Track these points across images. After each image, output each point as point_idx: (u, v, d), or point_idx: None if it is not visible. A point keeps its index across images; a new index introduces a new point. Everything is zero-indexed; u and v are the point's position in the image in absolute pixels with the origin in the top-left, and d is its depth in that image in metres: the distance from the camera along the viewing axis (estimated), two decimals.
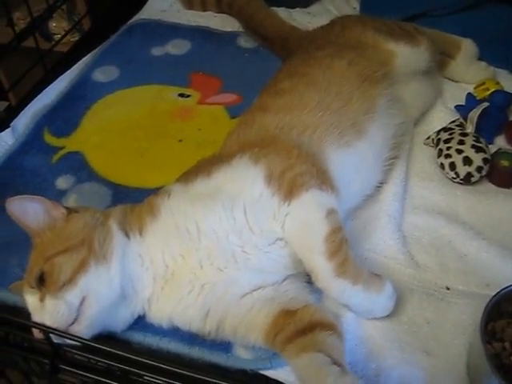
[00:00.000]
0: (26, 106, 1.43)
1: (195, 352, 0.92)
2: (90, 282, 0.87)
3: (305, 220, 0.93)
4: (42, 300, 0.86)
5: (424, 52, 1.30)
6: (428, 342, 0.94)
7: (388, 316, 0.96)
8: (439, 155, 1.21)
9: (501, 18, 1.53)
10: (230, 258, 0.92)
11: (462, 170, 1.17)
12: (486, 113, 1.25)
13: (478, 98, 1.34)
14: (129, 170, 1.27)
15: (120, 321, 0.93)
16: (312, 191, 0.94)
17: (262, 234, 0.93)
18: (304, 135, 1.04)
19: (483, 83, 1.40)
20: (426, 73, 1.33)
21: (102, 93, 1.49)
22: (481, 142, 1.20)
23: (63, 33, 2.10)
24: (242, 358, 0.92)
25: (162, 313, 0.94)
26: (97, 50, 1.64)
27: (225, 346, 0.93)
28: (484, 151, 1.18)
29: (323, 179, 0.98)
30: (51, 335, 0.84)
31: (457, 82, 1.46)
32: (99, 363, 0.85)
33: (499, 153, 1.21)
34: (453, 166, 1.18)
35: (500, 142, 1.30)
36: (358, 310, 0.95)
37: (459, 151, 1.18)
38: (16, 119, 1.39)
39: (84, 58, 1.61)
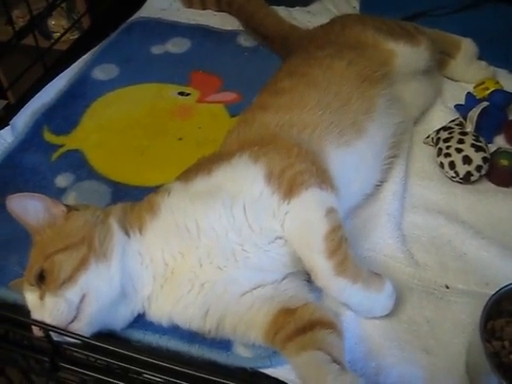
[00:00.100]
0: (25, 104, 1.43)
1: (195, 350, 0.92)
2: (90, 279, 0.87)
3: (304, 218, 0.93)
4: (41, 298, 0.86)
5: (424, 51, 1.30)
6: (427, 341, 0.94)
7: (387, 315, 0.96)
8: (439, 154, 1.21)
9: (500, 17, 1.54)
10: (230, 257, 0.92)
11: (462, 169, 1.17)
12: (485, 112, 1.25)
13: (477, 98, 1.34)
14: (128, 169, 1.28)
15: (120, 319, 0.93)
16: (312, 190, 0.94)
17: (262, 232, 0.93)
18: (304, 134, 1.04)
19: (483, 82, 1.40)
20: (425, 72, 1.33)
21: (102, 91, 1.49)
22: (480, 141, 1.20)
23: (62, 31, 2.09)
24: (241, 356, 0.92)
25: (161, 311, 0.94)
26: (96, 48, 1.64)
27: (225, 344, 0.93)
28: (484, 150, 1.18)
29: (323, 178, 0.98)
30: (51, 333, 0.83)
31: (456, 81, 1.46)
32: (98, 361, 0.85)
33: (499, 152, 1.21)
34: (452, 164, 1.18)
35: (499, 141, 1.30)
36: (358, 309, 0.95)
37: (459, 150, 1.18)
38: (15, 117, 1.39)
39: (84, 57, 1.61)
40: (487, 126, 1.26)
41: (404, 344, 0.94)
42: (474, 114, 1.24)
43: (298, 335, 0.86)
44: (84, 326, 0.86)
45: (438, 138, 1.24)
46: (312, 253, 0.92)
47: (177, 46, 1.65)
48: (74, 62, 1.59)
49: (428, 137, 1.29)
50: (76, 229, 0.92)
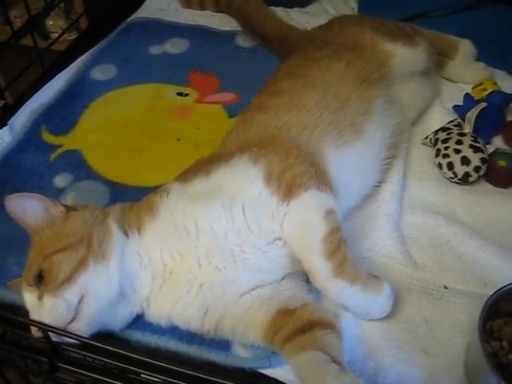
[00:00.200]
0: (23, 104, 1.43)
1: (194, 350, 0.93)
2: (89, 280, 0.87)
3: (303, 220, 0.93)
4: (40, 298, 0.86)
5: (422, 53, 1.31)
6: (426, 341, 0.94)
7: (386, 316, 0.96)
8: (437, 155, 1.22)
9: (499, 18, 1.54)
10: (229, 258, 0.92)
11: (460, 169, 1.17)
12: (483, 113, 1.25)
13: (475, 99, 1.34)
14: (127, 169, 1.27)
15: (119, 319, 0.93)
16: (311, 191, 0.94)
17: (261, 233, 0.93)
18: (303, 135, 1.04)
19: (481, 83, 1.41)
20: (424, 73, 1.33)
21: (100, 91, 1.49)
22: (479, 142, 1.20)
23: (60, 31, 2.09)
24: (240, 356, 0.92)
25: (160, 312, 0.94)
26: (95, 48, 1.64)
27: (223, 345, 0.93)
28: (482, 151, 1.18)
29: (322, 179, 0.98)
30: (50, 333, 0.83)
31: (455, 82, 1.46)
32: (96, 361, 0.85)
33: (497, 153, 1.22)
34: (451, 165, 1.18)
35: (497, 142, 1.30)
36: (356, 310, 0.95)
37: (457, 151, 1.18)
38: (14, 117, 1.39)
39: (82, 57, 1.61)
40: (485, 127, 1.27)
41: (403, 344, 0.94)
42: (473, 114, 1.24)
43: (297, 335, 0.87)
44: (83, 327, 0.86)
45: (437, 139, 1.24)
46: (311, 254, 0.92)
47: (175, 46, 1.65)
48: (72, 62, 1.59)
49: (426, 137, 1.29)
50: (75, 229, 0.92)
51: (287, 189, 0.93)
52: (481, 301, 0.89)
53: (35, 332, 0.85)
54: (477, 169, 1.17)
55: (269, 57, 1.56)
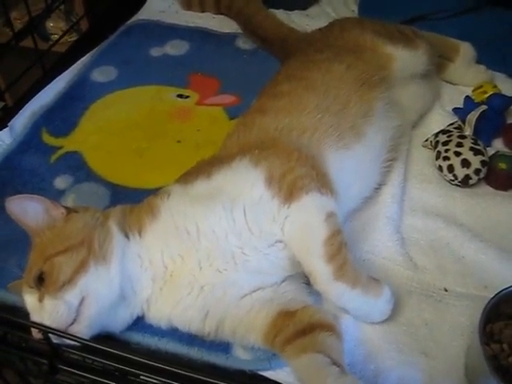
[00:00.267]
0: (23, 105, 1.43)
1: (194, 352, 0.93)
2: (90, 282, 0.87)
3: (304, 223, 0.93)
4: (41, 300, 0.86)
5: (422, 56, 1.31)
6: (426, 344, 0.94)
7: (386, 318, 0.96)
8: (437, 157, 1.22)
9: (499, 21, 1.54)
10: (230, 260, 0.92)
11: (460, 172, 1.18)
12: (484, 116, 1.25)
13: (475, 101, 1.35)
14: (127, 171, 1.27)
15: (119, 321, 0.93)
16: (312, 194, 0.94)
17: (262, 235, 0.93)
18: (303, 137, 1.05)
19: (481, 86, 1.41)
20: (424, 76, 1.34)
21: (101, 93, 1.49)
22: (479, 145, 1.20)
23: (60, 33, 2.09)
24: (241, 358, 0.92)
25: (160, 314, 0.94)
26: (95, 50, 1.64)
27: (224, 347, 0.93)
28: (482, 154, 1.19)
29: (323, 182, 0.98)
30: (50, 335, 0.83)
31: (455, 84, 1.47)
32: (96, 363, 0.85)
33: (497, 155, 1.22)
34: (451, 168, 1.18)
35: (498, 144, 1.30)
36: (356, 313, 0.95)
37: (457, 153, 1.18)
38: (14, 119, 1.39)
39: (82, 59, 1.61)
40: (485, 130, 1.27)
41: (403, 347, 0.94)
42: (473, 117, 1.24)
43: (298, 338, 0.87)
44: (83, 329, 0.86)
45: (437, 142, 1.24)
46: (311, 257, 0.92)
47: (175, 48, 1.65)
48: (72, 64, 1.59)
49: (427, 140, 1.29)
50: (75, 231, 0.92)
51: (288, 191, 0.93)
52: (481, 303, 0.89)
53: (36, 334, 0.84)
54: (477, 171, 1.17)
55: (269, 59, 1.56)
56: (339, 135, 1.07)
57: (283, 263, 0.95)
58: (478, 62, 1.46)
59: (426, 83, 1.35)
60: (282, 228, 0.93)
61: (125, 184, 1.24)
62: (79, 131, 1.38)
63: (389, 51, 1.27)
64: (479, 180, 1.19)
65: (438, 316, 0.98)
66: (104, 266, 0.89)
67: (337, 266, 0.90)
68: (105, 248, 0.90)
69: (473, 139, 1.21)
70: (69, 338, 0.83)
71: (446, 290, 1.03)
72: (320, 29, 1.43)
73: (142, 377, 0.82)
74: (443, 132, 1.26)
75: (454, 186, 1.20)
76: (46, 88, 1.49)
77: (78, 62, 1.59)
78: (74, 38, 2.08)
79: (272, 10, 1.72)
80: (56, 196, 1.19)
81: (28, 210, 0.93)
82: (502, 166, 1.19)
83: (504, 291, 0.89)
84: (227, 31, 1.71)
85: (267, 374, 0.90)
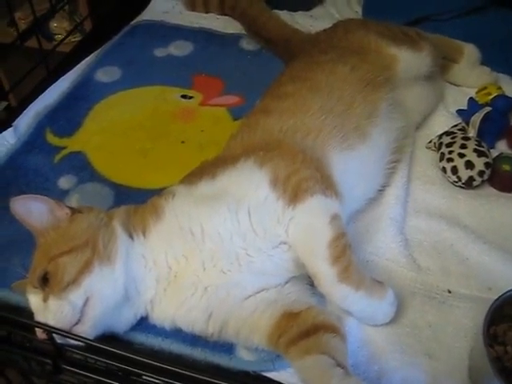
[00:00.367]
0: (27, 105, 1.43)
1: (197, 353, 0.93)
2: (94, 282, 0.87)
3: (309, 225, 0.93)
4: (45, 300, 0.86)
5: (426, 57, 1.31)
6: (430, 345, 0.94)
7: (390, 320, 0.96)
8: (441, 159, 1.22)
9: (503, 23, 1.54)
10: (234, 261, 0.92)
11: (464, 173, 1.17)
12: (487, 117, 1.25)
13: (479, 103, 1.35)
14: (131, 171, 1.28)
15: (123, 322, 0.93)
16: (317, 196, 0.94)
17: (266, 237, 0.93)
18: (308, 139, 1.05)
19: (485, 88, 1.41)
20: (428, 77, 1.34)
21: (105, 93, 1.49)
22: (483, 147, 1.20)
23: (64, 33, 2.10)
24: (244, 359, 0.92)
25: (164, 314, 0.94)
26: (99, 50, 1.64)
27: (227, 348, 0.93)
28: (486, 155, 1.19)
29: (327, 184, 0.98)
30: (54, 335, 0.83)
31: (459, 86, 1.47)
32: (99, 363, 0.85)
33: (501, 157, 1.22)
34: (455, 169, 1.18)
35: (501, 146, 1.30)
36: (360, 316, 0.95)
37: (461, 155, 1.18)
38: (18, 119, 1.39)
39: (86, 59, 1.61)
40: (489, 132, 1.27)
41: (406, 348, 0.94)
42: (477, 119, 1.24)
43: (302, 339, 0.87)
44: (88, 329, 0.86)
45: (441, 143, 1.24)
46: (316, 259, 0.92)
47: (179, 48, 1.65)
48: (77, 64, 1.59)
49: (430, 142, 1.29)
50: (80, 231, 0.92)
51: (293, 193, 0.93)
52: (484, 305, 0.89)
53: (40, 334, 0.85)
54: (481, 173, 1.17)
55: (273, 60, 1.57)
56: (343, 136, 1.08)
57: (287, 265, 0.95)
58: (482, 63, 1.46)
59: (430, 85, 1.35)
60: (287, 230, 0.93)
61: (128, 184, 1.24)
62: (83, 131, 1.39)
63: (393, 52, 1.27)
64: (483, 182, 1.19)
65: (442, 317, 0.98)
66: (108, 267, 0.89)
67: (341, 268, 0.90)
68: (109, 248, 0.90)
69: (477, 141, 1.21)
70: (73, 338, 0.83)
71: (449, 292, 1.03)
72: (324, 30, 1.43)
73: (145, 377, 0.81)
74: (447, 134, 1.26)
75: (457, 188, 1.20)
76: (50, 88, 1.49)
77: (82, 63, 1.60)
78: (77, 38, 2.08)
79: (276, 11, 1.72)
80: (60, 196, 1.19)
81: (32, 210, 0.93)
82: (506, 167, 1.19)
83: (508, 293, 0.89)
84: (231, 32, 1.72)
85: (271, 375, 0.90)
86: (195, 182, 0.98)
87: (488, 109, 1.27)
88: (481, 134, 1.24)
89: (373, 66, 1.22)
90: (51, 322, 0.84)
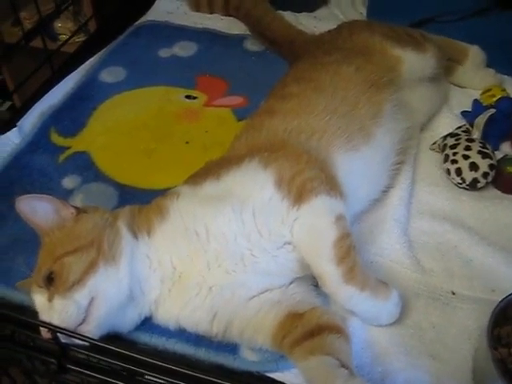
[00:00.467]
0: (32, 105, 1.44)
1: (201, 353, 0.93)
2: (99, 282, 0.87)
3: (313, 225, 0.93)
4: (50, 300, 0.86)
5: (430, 59, 1.31)
6: (434, 347, 0.94)
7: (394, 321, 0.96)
8: (445, 160, 1.22)
9: (508, 24, 1.53)
10: (239, 261, 0.92)
11: (469, 175, 1.17)
12: (492, 119, 1.25)
13: (484, 105, 1.35)
14: (135, 171, 1.28)
15: (127, 321, 0.93)
16: (321, 197, 0.94)
17: (271, 237, 0.93)
18: (312, 140, 1.05)
19: (489, 89, 1.41)
20: (432, 79, 1.34)
21: (109, 93, 1.49)
22: (487, 148, 1.20)
23: (69, 33, 2.11)
24: (248, 360, 0.92)
25: (169, 314, 0.94)
26: (104, 50, 1.65)
27: (231, 348, 0.93)
28: (490, 157, 1.18)
29: (332, 185, 0.98)
30: (59, 335, 0.83)
31: (463, 88, 1.47)
32: (103, 363, 0.85)
33: (505, 159, 1.22)
34: (459, 171, 1.18)
35: (506, 148, 1.30)
36: (365, 316, 0.95)
37: (465, 157, 1.18)
38: (23, 119, 1.40)
39: (91, 59, 1.61)
40: (494, 133, 1.27)
41: (410, 349, 0.94)
42: (481, 120, 1.24)
43: (306, 340, 0.87)
44: (93, 329, 0.86)
45: (445, 145, 1.24)
46: (320, 260, 0.92)
47: (184, 49, 1.66)
48: (81, 64, 1.59)
49: (434, 143, 1.29)
50: (85, 231, 0.92)
51: (298, 194, 0.93)
52: (488, 307, 0.89)
53: (45, 333, 0.85)
54: (485, 175, 1.17)
55: (277, 61, 1.57)
56: (348, 137, 1.08)
57: (292, 265, 0.95)
58: (487, 65, 1.46)
59: (435, 86, 1.35)
60: (291, 230, 0.93)
61: (133, 184, 1.24)
62: (87, 131, 1.39)
63: (397, 54, 1.27)
64: (487, 183, 1.19)
65: (446, 319, 0.98)
66: (113, 267, 0.89)
67: (346, 268, 0.90)
68: (114, 249, 0.90)
69: (481, 143, 1.21)
70: (78, 338, 0.83)
71: (453, 293, 1.03)
72: (329, 31, 1.43)
73: (149, 377, 0.82)
74: (451, 135, 1.26)
75: (461, 190, 1.20)
76: (54, 88, 1.50)
77: (87, 63, 1.60)
78: (81, 38, 2.09)
79: (280, 12, 1.72)
80: (64, 196, 1.19)
81: (38, 209, 0.93)
82: (510, 169, 1.19)
83: None
84: (235, 33, 1.72)
85: (274, 375, 0.90)
86: (200, 183, 0.98)
87: (492, 111, 1.27)
88: (485, 135, 1.24)
89: (377, 67, 1.22)
90: (56, 322, 0.84)
